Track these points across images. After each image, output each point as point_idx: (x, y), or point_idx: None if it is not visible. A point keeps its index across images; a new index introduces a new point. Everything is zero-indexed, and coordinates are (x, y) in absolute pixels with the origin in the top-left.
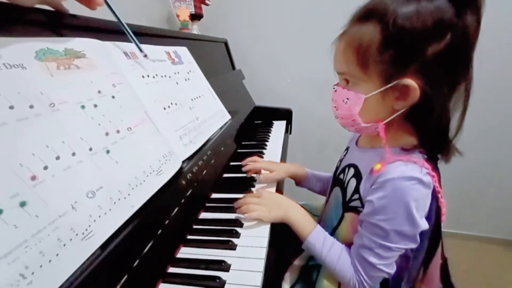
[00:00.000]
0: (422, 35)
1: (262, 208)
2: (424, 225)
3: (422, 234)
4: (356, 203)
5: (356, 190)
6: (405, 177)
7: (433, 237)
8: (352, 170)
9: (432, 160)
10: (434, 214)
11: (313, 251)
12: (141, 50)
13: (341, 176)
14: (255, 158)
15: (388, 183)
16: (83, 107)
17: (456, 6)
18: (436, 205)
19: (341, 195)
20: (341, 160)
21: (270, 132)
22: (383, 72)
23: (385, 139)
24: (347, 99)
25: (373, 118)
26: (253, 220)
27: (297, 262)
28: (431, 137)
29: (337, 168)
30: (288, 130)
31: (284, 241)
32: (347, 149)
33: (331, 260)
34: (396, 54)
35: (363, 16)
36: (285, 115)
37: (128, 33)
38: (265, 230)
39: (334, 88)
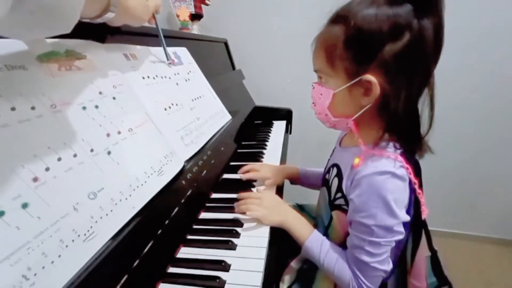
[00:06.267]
0: (378, 36)
1: (264, 210)
2: (404, 217)
3: (404, 226)
4: (340, 201)
5: (339, 189)
6: (378, 172)
7: (414, 229)
8: (335, 170)
9: (407, 153)
10: (413, 206)
11: (311, 255)
12: (168, 58)
13: (327, 176)
14: (252, 168)
15: (363, 180)
16: (84, 108)
17: (417, 12)
18: (414, 197)
19: (327, 194)
20: (328, 161)
21: (270, 132)
22: (347, 68)
23: (357, 133)
24: (321, 94)
25: (342, 113)
26: (253, 220)
27: (294, 264)
28: (401, 133)
29: (325, 168)
30: (288, 130)
31: (283, 242)
32: (334, 149)
33: (328, 264)
34: (357, 52)
35: (333, 19)
36: (285, 115)
37: (163, 44)
38: (265, 230)
39: (312, 86)
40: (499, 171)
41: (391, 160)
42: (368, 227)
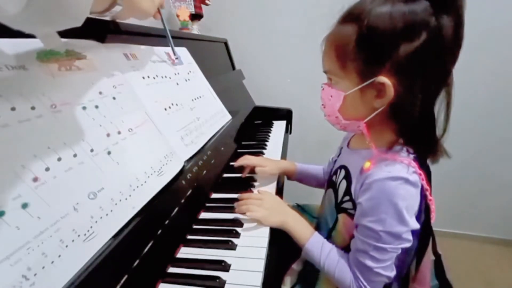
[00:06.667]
0: (393, 35)
1: (264, 212)
2: (414, 224)
3: (412, 233)
4: (347, 205)
5: (347, 191)
6: (391, 177)
7: (423, 235)
8: (343, 172)
9: (420, 158)
10: (424, 213)
11: (312, 257)
12: (174, 53)
13: (334, 178)
14: (246, 156)
15: (374, 184)
16: (84, 108)
17: (434, 9)
18: (425, 203)
19: (334, 196)
20: (334, 161)
21: (270, 132)
22: (359, 70)
23: (369, 136)
24: (331, 96)
25: (353, 115)
26: (253, 220)
27: (295, 266)
28: (416, 137)
29: (331, 169)
30: (288, 130)
31: (284, 243)
32: (340, 149)
33: (329, 266)
34: (370, 53)
35: (345, 17)
36: (285, 115)
37: (170, 40)
38: (265, 230)
39: (322, 87)
40: (499, 171)
41: (404, 165)
42: (376, 232)
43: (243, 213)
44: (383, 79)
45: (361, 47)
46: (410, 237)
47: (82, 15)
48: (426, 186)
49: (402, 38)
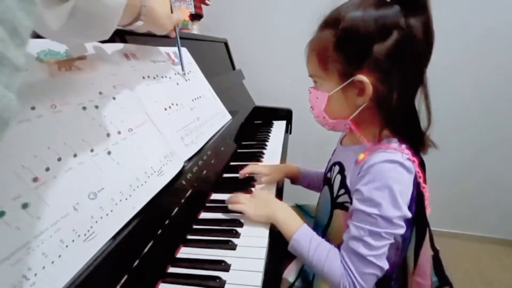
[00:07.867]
0: (366, 36)
1: (249, 205)
2: (407, 212)
3: (406, 222)
4: (343, 199)
5: (342, 184)
6: (387, 160)
7: (418, 225)
8: (337, 168)
9: (412, 148)
10: (416, 200)
11: (299, 250)
12: (183, 69)
13: (329, 174)
14: (251, 165)
15: (371, 168)
16: (84, 108)
17: (403, 11)
18: (418, 191)
19: (329, 192)
20: (329, 160)
21: (270, 132)
22: (340, 70)
23: (358, 132)
24: (317, 98)
25: (339, 114)
26: (253, 220)
27: (294, 264)
28: (402, 130)
29: (326, 168)
30: (288, 130)
31: (283, 243)
32: (334, 150)
33: (318, 259)
34: (347, 54)
35: (324, 24)
36: (285, 115)
37: (180, 54)
38: (265, 230)
39: (309, 91)
40: (499, 171)
41: (398, 152)
42: (371, 216)
43: (229, 204)
44: (362, 77)
45: (339, 50)
46: (402, 223)
47: (111, 29)
48: (420, 173)
49: (375, 39)
